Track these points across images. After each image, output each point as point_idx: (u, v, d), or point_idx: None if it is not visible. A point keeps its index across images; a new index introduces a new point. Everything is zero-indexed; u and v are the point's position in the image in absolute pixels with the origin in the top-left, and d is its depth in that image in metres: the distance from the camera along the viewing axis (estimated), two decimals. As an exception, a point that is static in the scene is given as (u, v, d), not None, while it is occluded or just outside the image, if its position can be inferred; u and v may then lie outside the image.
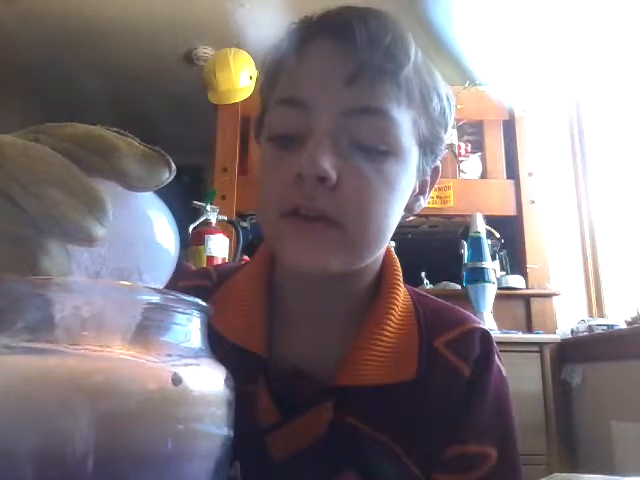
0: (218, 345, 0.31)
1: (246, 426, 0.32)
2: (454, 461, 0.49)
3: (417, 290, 0.59)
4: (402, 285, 0.55)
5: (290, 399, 0.48)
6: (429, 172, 0.53)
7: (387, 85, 0.44)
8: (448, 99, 0.51)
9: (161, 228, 0.32)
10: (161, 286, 0.32)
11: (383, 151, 0.45)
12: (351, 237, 0.44)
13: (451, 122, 0.52)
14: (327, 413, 0.47)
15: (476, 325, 0.54)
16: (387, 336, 0.50)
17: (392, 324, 0.51)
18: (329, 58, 0.45)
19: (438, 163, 0.54)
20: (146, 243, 0.31)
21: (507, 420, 0.52)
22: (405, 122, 0.46)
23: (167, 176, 0.30)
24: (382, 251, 0.53)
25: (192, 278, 0.59)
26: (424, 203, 0.54)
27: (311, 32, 0.46)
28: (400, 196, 0.48)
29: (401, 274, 0.55)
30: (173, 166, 0.30)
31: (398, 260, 0.56)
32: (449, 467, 0.49)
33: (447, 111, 0.51)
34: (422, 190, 0.53)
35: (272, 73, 0.49)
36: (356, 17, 0.45)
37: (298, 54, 0.46)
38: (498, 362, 0.53)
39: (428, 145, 0.49)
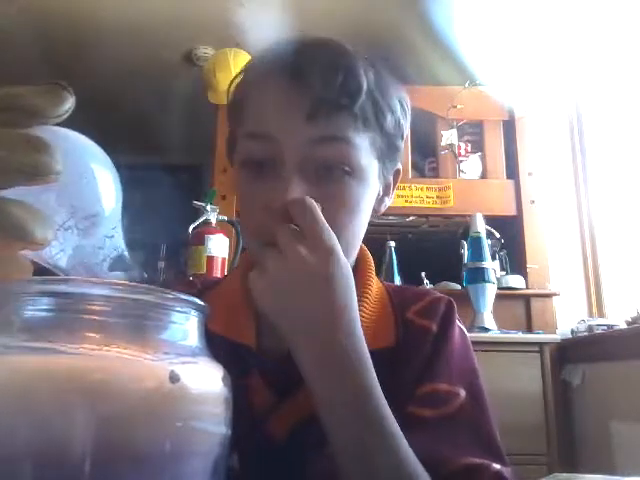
0: (209, 340, 0.32)
1: (244, 415, 0.33)
2: (426, 397, 0.53)
3: (386, 282, 0.66)
4: (374, 275, 0.61)
5: (282, 383, 0.52)
6: (390, 176, 0.59)
7: (343, 117, 0.50)
8: (402, 105, 0.56)
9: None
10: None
11: (347, 171, 0.51)
12: None
13: (407, 126, 0.58)
14: None
15: (441, 295, 0.62)
16: (365, 312, 0.56)
17: (369, 302, 0.58)
18: (287, 95, 0.50)
19: (399, 165, 0.60)
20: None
21: (473, 366, 0.57)
22: (363, 143, 0.52)
23: (69, 105, 0.31)
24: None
25: (175, 287, 0.60)
26: (389, 202, 0.61)
27: (269, 70, 0.52)
28: (367, 206, 0.55)
29: (373, 265, 0.62)
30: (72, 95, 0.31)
31: (371, 256, 0.63)
32: (421, 402, 0.53)
33: (402, 121, 0.56)
34: (386, 192, 0.60)
35: (236, 105, 0.54)
36: (307, 59, 0.50)
37: (259, 90, 0.52)
38: (459, 323, 0.60)
39: (387, 157, 0.56)
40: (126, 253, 0.34)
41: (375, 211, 0.58)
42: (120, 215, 0.35)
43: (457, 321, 0.59)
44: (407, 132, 0.59)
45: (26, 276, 0.30)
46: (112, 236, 0.34)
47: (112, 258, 0.33)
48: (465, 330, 0.60)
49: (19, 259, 0.30)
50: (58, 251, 0.31)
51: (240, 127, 0.54)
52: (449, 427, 0.52)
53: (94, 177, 0.33)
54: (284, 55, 0.52)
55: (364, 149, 0.52)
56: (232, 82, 0.57)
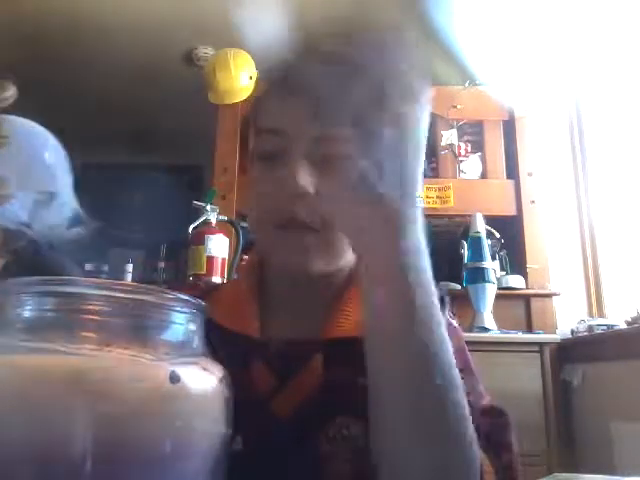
0: (213, 332, 0.33)
1: (248, 401, 0.34)
2: None
3: None
4: None
5: (285, 367, 0.54)
6: None
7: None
8: None
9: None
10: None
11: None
12: (328, 239, 0.53)
13: None
14: (318, 367, 0.53)
15: None
16: None
17: None
18: (296, 96, 0.53)
19: None
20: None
21: (467, 357, 0.59)
22: None
23: (11, 92, 0.33)
24: None
25: (180, 290, 0.64)
26: None
27: (280, 82, 0.57)
28: None
29: None
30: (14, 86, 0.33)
31: None
32: None
33: None
34: None
35: (254, 106, 0.61)
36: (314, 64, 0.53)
37: (271, 92, 0.58)
38: (451, 318, 0.61)
39: None
40: (80, 210, 0.37)
41: None
42: (71, 185, 0.38)
43: (450, 317, 0.62)
44: None
45: None
46: (66, 202, 0.37)
47: (69, 218, 0.36)
48: (457, 324, 0.63)
49: None
50: (19, 206, 0.33)
51: (255, 124, 0.59)
52: None
53: (45, 158, 0.35)
54: (291, 72, 0.56)
55: None
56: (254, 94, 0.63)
